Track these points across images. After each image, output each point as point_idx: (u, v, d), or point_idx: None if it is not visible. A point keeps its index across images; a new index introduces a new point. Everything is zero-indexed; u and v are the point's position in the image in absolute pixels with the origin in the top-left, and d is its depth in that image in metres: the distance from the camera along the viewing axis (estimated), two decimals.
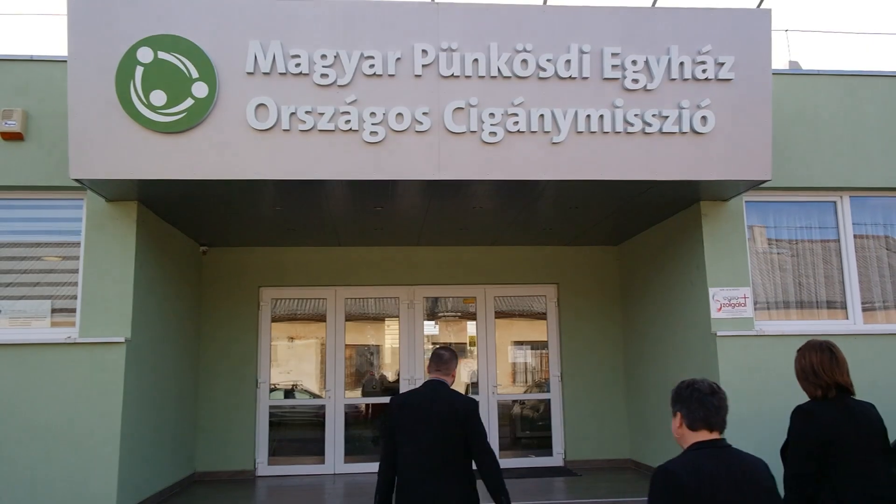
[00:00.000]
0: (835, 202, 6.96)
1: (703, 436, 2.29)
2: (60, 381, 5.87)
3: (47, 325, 6.19)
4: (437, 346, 4.34)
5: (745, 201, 6.73)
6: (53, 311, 6.24)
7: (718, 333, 6.32)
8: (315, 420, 8.71)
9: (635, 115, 5.75)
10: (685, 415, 2.33)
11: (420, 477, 3.78)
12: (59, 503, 5.72)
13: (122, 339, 5.98)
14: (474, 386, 8.94)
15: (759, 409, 6.15)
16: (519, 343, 9.26)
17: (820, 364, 3.16)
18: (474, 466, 3.83)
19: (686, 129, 5.79)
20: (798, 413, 3.12)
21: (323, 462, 8.53)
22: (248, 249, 8.77)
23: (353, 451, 8.64)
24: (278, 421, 8.67)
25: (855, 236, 6.92)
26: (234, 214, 7.03)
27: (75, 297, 6.19)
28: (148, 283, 6.59)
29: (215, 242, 8.49)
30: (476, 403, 3.94)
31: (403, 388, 8.71)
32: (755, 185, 6.26)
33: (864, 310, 6.79)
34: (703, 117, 5.80)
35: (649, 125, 5.77)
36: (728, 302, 6.42)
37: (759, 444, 6.19)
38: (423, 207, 6.88)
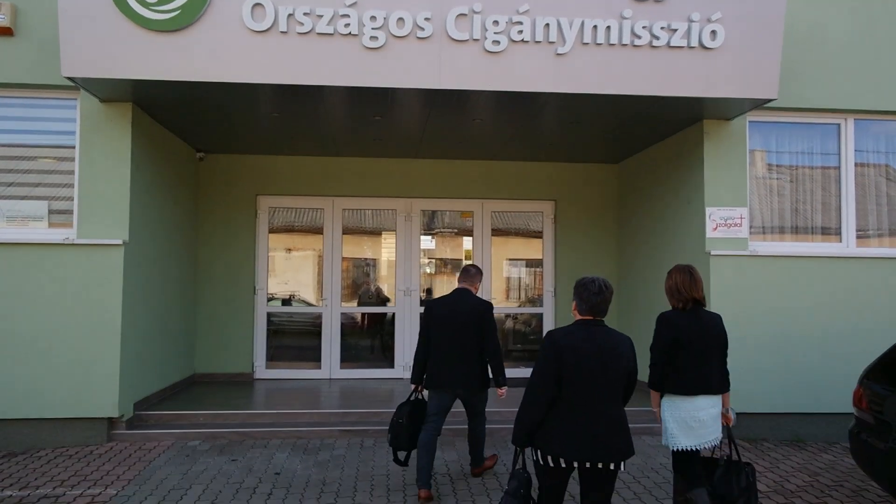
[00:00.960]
0: (839, 125, 6.87)
1: (586, 317, 3.26)
2: (60, 280, 5.95)
3: (45, 226, 6.21)
4: (468, 263, 5.23)
5: (749, 121, 6.65)
6: (51, 212, 6.24)
7: (712, 252, 6.38)
8: (312, 329, 8.89)
9: (643, 28, 5.60)
10: (577, 303, 3.29)
11: (448, 361, 4.85)
12: (62, 399, 5.92)
13: (120, 242, 6.02)
14: None
15: (749, 325, 6.29)
16: (514, 260, 9.34)
17: (682, 283, 4.03)
18: None
19: (695, 43, 5.65)
20: (660, 318, 4.03)
21: (319, 367, 8.79)
22: (245, 156, 8.70)
23: (349, 357, 8.88)
24: (276, 329, 8.85)
25: (855, 164, 6.87)
26: (231, 120, 6.93)
27: (72, 199, 6.19)
28: (144, 186, 6.57)
29: (212, 148, 8.40)
30: (491, 305, 4.97)
31: (399, 300, 8.87)
32: (760, 105, 6.16)
33: (858, 237, 6.83)
34: (713, 31, 5.64)
35: (657, 38, 5.61)
36: (724, 222, 6.45)
37: (748, 356, 6.37)
38: (422, 118, 6.78)
